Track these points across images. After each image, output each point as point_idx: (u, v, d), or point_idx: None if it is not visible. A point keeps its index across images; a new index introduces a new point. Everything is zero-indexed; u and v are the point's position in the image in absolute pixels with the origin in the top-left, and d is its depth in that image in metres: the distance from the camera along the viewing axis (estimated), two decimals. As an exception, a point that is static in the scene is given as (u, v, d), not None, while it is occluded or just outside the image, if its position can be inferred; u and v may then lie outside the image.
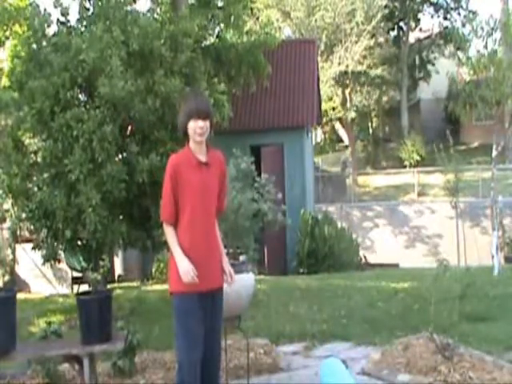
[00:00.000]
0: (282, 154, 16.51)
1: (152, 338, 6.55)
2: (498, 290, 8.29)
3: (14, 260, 16.08)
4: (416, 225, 22.82)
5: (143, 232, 8.53)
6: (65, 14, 8.94)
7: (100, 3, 8.86)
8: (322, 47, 28.11)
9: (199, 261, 3.67)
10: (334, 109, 31.71)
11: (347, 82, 29.80)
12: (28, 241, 11.33)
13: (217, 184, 3.85)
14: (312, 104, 16.92)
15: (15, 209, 8.96)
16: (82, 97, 8.56)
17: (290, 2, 28.32)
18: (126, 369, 5.27)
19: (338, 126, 34.03)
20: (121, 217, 8.31)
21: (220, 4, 16.21)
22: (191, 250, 3.68)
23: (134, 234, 8.38)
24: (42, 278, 15.60)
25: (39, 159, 8.35)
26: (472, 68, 10.83)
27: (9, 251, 15.98)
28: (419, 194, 26.91)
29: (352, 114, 30.79)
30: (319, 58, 24.80)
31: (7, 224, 14.51)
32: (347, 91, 30.47)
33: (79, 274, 12.96)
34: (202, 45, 14.35)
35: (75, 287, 13.37)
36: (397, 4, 33.11)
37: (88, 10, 9.06)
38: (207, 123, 3.74)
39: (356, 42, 28.02)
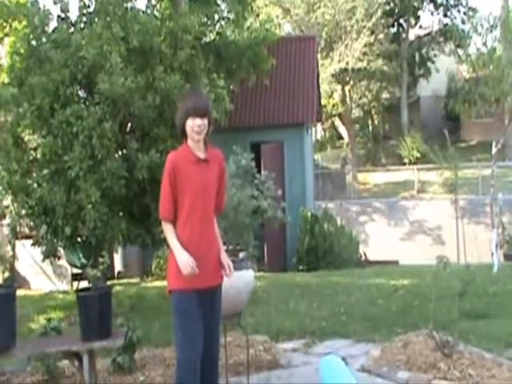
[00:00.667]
0: (281, 151, 16.51)
1: (152, 334, 6.55)
2: (497, 287, 8.30)
3: (14, 256, 16.07)
4: (416, 222, 22.84)
5: (143, 229, 8.53)
6: (65, 10, 8.93)
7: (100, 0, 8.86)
8: (322, 44, 28.09)
9: (197, 258, 3.64)
10: (333, 105, 31.70)
11: (347, 78, 29.78)
12: (28, 237, 11.32)
13: (216, 181, 3.83)
14: (312, 101, 16.92)
15: (15, 205, 8.94)
16: (81, 93, 8.55)
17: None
18: (125, 365, 5.27)
19: (337, 122, 34.04)
20: (120, 213, 8.31)
21: (220, 1, 16.24)
22: (189, 247, 3.66)
23: (133, 231, 8.37)
24: (42, 275, 15.60)
25: (39, 156, 8.34)
26: (471, 65, 10.84)
27: (8, 248, 15.97)
28: (419, 191, 26.92)
29: (356, 113, 30.80)
30: (319, 55, 24.78)
31: (7, 220, 14.51)
32: (347, 88, 30.45)
33: (79, 271, 12.94)
34: (202, 41, 14.34)
35: (75, 284, 13.37)
36: (397, 1, 33.09)
37: (88, 6, 9.04)
38: (205, 121, 3.73)
39: (356, 39, 28.00)
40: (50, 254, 8.54)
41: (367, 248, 19.92)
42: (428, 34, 35.93)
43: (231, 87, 15.63)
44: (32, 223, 8.62)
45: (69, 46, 8.23)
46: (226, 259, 3.84)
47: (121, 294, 9.69)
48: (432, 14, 35.56)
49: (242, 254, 5.03)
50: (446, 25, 34.62)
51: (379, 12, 28.41)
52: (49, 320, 5.34)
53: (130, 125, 8.74)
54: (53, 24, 8.79)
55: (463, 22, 33.41)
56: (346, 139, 33.63)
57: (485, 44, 10.35)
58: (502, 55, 10.44)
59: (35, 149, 8.50)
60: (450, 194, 18.72)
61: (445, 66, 33.99)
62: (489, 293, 7.87)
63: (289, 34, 28.02)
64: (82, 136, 7.76)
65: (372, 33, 28.29)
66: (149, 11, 9.64)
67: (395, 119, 35.44)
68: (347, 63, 28.22)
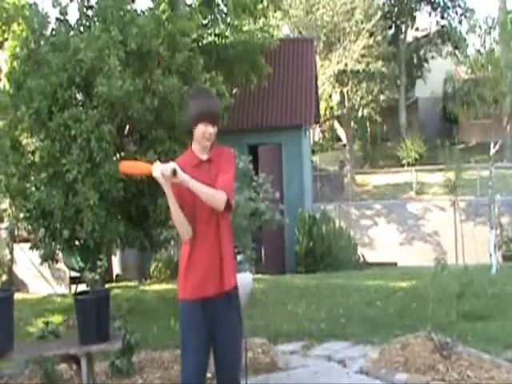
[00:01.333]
0: (279, 153, 16.51)
1: (150, 337, 6.54)
2: (496, 288, 8.30)
3: (12, 260, 16.08)
4: (414, 223, 22.85)
5: (141, 231, 8.53)
6: (63, 13, 8.94)
7: (98, 3, 8.86)
8: (321, 46, 28.12)
9: (202, 263, 3.43)
10: (332, 108, 31.72)
11: (346, 80, 29.80)
12: (26, 241, 11.33)
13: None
14: (310, 103, 16.92)
15: (13, 209, 8.95)
16: (79, 96, 8.54)
17: (289, 1, 28.30)
18: (123, 368, 5.26)
19: (336, 124, 34.05)
20: (119, 216, 8.30)
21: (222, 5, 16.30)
22: (193, 254, 3.45)
23: (131, 234, 8.37)
24: (40, 278, 15.60)
25: (37, 159, 8.33)
26: (470, 67, 10.85)
27: (7, 251, 15.99)
28: (417, 193, 26.93)
29: (354, 114, 30.81)
30: (318, 57, 24.80)
31: (5, 224, 14.52)
32: (346, 90, 30.46)
33: (77, 274, 12.94)
34: (200, 44, 14.36)
35: (73, 287, 13.37)
36: (394, 2, 33.15)
37: (87, 9, 9.05)
38: (216, 128, 3.57)
39: (355, 41, 28.03)
40: (48, 258, 8.53)
41: (366, 250, 19.93)
42: (426, 36, 35.98)
43: (229, 89, 15.63)
44: (30, 226, 8.61)
45: (67, 49, 8.23)
46: None
47: (119, 297, 9.68)
48: (430, 15, 35.59)
49: (239, 257, 5.04)
50: (443, 26, 34.67)
51: (378, 13, 28.45)
52: (47, 323, 5.33)
53: (128, 127, 8.75)
54: (51, 27, 8.81)
55: (460, 22, 33.52)
56: (344, 141, 33.63)
57: (483, 45, 10.36)
58: (501, 56, 10.45)
59: (33, 152, 8.49)
60: (449, 195, 18.76)
61: (443, 68, 34.04)
62: (487, 294, 7.87)
63: (287, 36, 28.04)
64: (80, 139, 7.76)
65: (371, 35, 28.32)
66: (147, 13, 9.64)
67: (393, 121, 35.46)
68: (346, 65, 28.25)
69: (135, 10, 9.27)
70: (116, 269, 15.03)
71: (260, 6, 17.07)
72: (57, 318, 8.28)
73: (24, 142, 8.61)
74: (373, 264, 16.89)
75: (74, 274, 13.33)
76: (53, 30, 8.75)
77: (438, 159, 26.17)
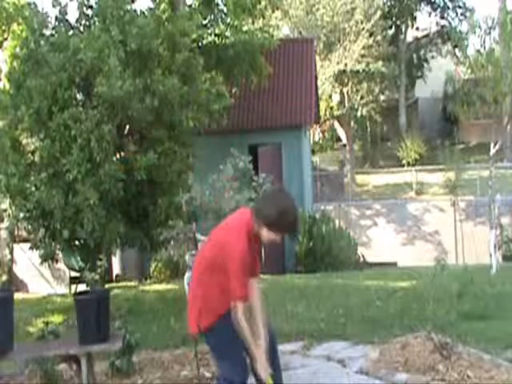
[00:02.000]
0: (279, 154, 16.50)
1: (150, 337, 6.53)
2: (495, 288, 8.29)
3: (12, 260, 16.08)
4: (414, 223, 22.83)
5: (141, 231, 8.53)
6: (63, 13, 8.94)
7: (98, 3, 8.87)
8: (321, 46, 28.10)
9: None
10: (332, 108, 31.70)
11: (346, 80, 29.78)
12: (26, 240, 11.33)
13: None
14: (310, 103, 16.91)
15: (13, 209, 8.95)
16: (79, 96, 8.55)
17: (289, 1, 28.29)
18: (123, 368, 5.26)
19: (336, 124, 34.02)
20: (119, 216, 8.31)
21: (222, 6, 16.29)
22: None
23: (131, 234, 8.38)
24: (40, 278, 15.59)
25: (37, 159, 8.35)
26: (470, 67, 10.84)
27: (6, 251, 15.99)
28: (417, 193, 26.92)
29: (354, 114, 30.79)
30: (318, 57, 24.78)
31: (5, 224, 14.52)
32: (345, 90, 30.45)
33: (77, 274, 12.94)
34: (200, 44, 14.36)
35: (73, 287, 13.36)
36: (394, 2, 33.13)
37: (87, 8, 9.05)
38: None
39: (355, 41, 28.02)
40: (48, 258, 8.53)
41: (365, 250, 19.92)
42: (426, 36, 35.96)
43: (229, 88, 15.63)
44: (30, 226, 8.62)
45: (67, 49, 8.24)
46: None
47: (119, 297, 9.67)
48: (430, 15, 35.58)
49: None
50: (443, 26, 34.65)
51: (378, 13, 28.43)
52: (47, 323, 5.33)
53: (127, 127, 8.75)
54: (51, 27, 8.81)
55: (460, 22, 33.51)
56: (344, 141, 33.62)
57: (483, 45, 10.36)
58: (501, 56, 10.43)
59: (33, 152, 8.50)
60: (449, 195, 18.79)
61: (443, 68, 34.02)
62: (487, 294, 7.86)
63: (287, 36, 28.03)
64: (80, 139, 7.76)
65: (371, 35, 28.30)
66: (147, 14, 9.65)
67: (393, 121, 35.43)
68: (346, 65, 28.23)
69: (135, 10, 9.28)
70: (116, 269, 15.03)
71: (259, 6, 17.06)
72: (57, 318, 8.27)
73: (24, 141, 8.62)
74: (373, 264, 16.87)
75: (73, 273, 13.34)
76: (53, 29, 8.76)
77: (438, 159, 26.26)
